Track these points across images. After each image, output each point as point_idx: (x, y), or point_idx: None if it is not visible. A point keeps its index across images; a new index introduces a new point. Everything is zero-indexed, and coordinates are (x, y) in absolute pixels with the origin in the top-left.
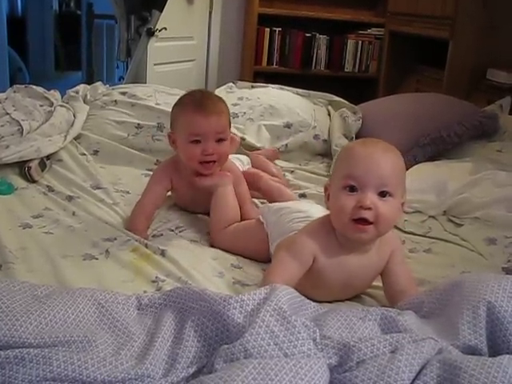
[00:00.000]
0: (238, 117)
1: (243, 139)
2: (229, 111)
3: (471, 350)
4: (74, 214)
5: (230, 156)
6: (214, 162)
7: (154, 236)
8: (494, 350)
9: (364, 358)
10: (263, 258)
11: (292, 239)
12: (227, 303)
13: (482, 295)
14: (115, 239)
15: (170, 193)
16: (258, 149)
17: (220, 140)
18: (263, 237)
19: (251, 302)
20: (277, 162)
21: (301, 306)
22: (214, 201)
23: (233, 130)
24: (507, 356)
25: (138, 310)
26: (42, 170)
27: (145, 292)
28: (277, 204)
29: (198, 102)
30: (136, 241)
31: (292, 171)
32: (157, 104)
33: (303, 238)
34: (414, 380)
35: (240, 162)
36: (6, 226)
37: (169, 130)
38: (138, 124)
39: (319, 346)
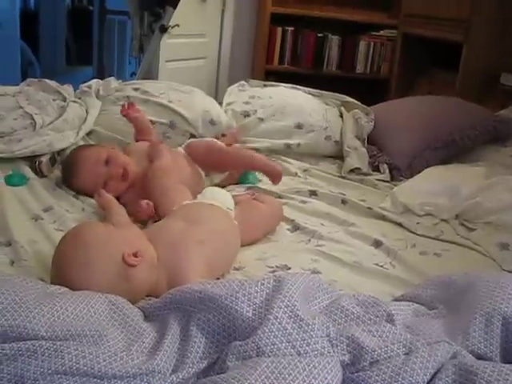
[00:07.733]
0: (249, 116)
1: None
2: None
3: (480, 357)
4: (83, 209)
5: None
6: (123, 175)
7: None
8: (508, 361)
9: (378, 359)
10: None
11: None
12: (234, 297)
13: (499, 303)
14: None
15: None
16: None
17: (106, 162)
18: None
19: (259, 294)
20: (290, 160)
21: (316, 290)
22: None
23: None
24: None
25: (144, 319)
26: (53, 166)
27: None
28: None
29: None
30: None
31: (305, 170)
32: (169, 101)
33: None
34: (428, 383)
35: None
36: (17, 219)
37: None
38: (150, 120)
39: (333, 342)
